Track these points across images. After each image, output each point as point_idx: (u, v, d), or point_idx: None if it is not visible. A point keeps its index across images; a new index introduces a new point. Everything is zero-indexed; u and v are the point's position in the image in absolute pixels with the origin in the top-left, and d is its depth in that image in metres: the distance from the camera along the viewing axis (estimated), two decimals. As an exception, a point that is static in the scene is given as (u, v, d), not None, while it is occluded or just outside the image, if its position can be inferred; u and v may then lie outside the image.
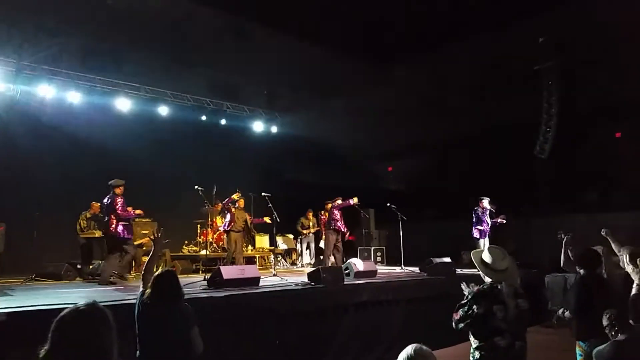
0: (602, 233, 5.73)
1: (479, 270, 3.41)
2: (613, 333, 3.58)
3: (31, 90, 10.60)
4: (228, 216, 10.19)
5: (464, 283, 3.38)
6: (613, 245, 5.40)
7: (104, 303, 4.82)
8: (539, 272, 10.22)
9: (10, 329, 4.18)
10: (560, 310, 4.48)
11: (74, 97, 11.05)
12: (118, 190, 8.30)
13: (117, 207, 8.18)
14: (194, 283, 7.29)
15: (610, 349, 3.49)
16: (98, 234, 9.82)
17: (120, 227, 8.21)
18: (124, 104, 11.73)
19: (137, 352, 3.50)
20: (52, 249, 10.01)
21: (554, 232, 8.75)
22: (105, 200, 8.40)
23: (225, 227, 10.19)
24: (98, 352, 1.83)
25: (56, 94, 10.86)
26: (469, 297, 3.22)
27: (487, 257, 3.38)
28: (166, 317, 3.46)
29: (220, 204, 11.82)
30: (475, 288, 3.27)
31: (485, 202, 10.80)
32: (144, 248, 10.51)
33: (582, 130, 12.28)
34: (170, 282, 3.62)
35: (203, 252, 11.02)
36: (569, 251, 5.72)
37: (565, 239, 6.07)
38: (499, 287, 3.22)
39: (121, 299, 5.33)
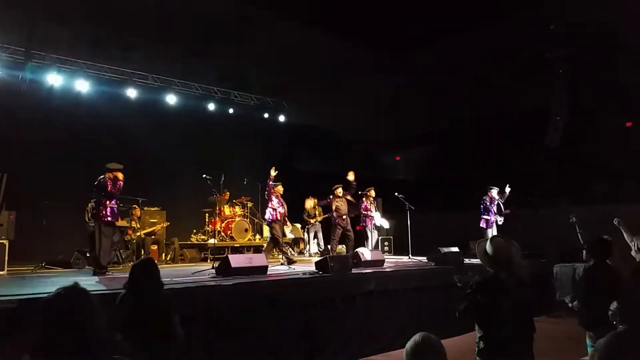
0: (615, 222, 5.71)
1: (481, 261, 3.39)
2: (615, 323, 3.55)
3: (40, 79, 10.65)
4: (274, 203, 9.68)
5: (456, 276, 3.37)
6: (625, 235, 5.39)
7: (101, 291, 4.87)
8: (548, 262, 10.19)
9: (21, 316, 4.23)
10: (569, 300, 4.46)
11: (83, 86, 11.07)
12: (109, 175, 7.93)
13: (109, 187, 7.85)
14: (202, 271, 7.34)
15: (609, 339, 3.45)
16: (107, 222, 9.87)
17: (108, 210, 7.86)
18: (132, 93, 11.75)
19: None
20: (61, 237, 10.11)
21: (563, 223, 8.74)
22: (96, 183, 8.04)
23: (272, 217, 9.63)
24: (83, 332, 1.85)
25: (65, 82, 10.90)
26: (473, 287, 3.21)
27: (489, 247, 3.36)
28: (144, 306, 3.42)
29: (227, 192, 11.87)
30: (479, 278, 3.26)
31: (494, 192, 10.74)
32: (153, 237, 10.59)
33: (592, 119, 12.14)
34: (146, 271, 3.57)
35: (211, 241, 11.08)
36: (579, 234, 5.70)
37: (574, 221, 6.05)
38: (502, 277, 3.21)
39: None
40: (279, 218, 9.63)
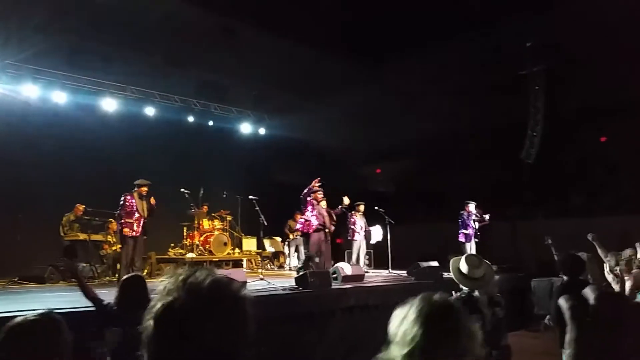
0: (589, 238, 5.74)
1: (455, 279, 3.40)
2: None
3: (15, 90, 10.44)
4: (311, 212, 9.14)
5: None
6: (599, 251, 5.39)
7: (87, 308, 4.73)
8: (525, 276, 10.27)
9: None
10: (547, 318, 4.47)
11: (59, 97, 10.89)
12: (136, 192, 8.60)
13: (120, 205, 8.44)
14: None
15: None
16: (82, 236, 9.73)
17: (119, 227, 8.51)
18: (109, 105, 11.59)
19: (108, 358, 3.45)
20: (35, 252, 9.87)
21: (540, 236, 8.84)
22: None
23: (313, 227, 9.06)
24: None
25: (41, 93, 10.69)
26: None
27: (463, 265, 3.38)
28: (133, 323, 3.35)
29: (206, 206, 11.75)
30: (454, 296, 3.26)
31: (472, 207, 10.88)
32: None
33: (567, 134, 12.37)
34: (137, 289, 3.54)
35: (189, 255, 10.93)
36: (555, 256, 5.73)
37: (550, 243, 6.10)
38: (475, 295, 3.22)
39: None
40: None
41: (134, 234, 8.42)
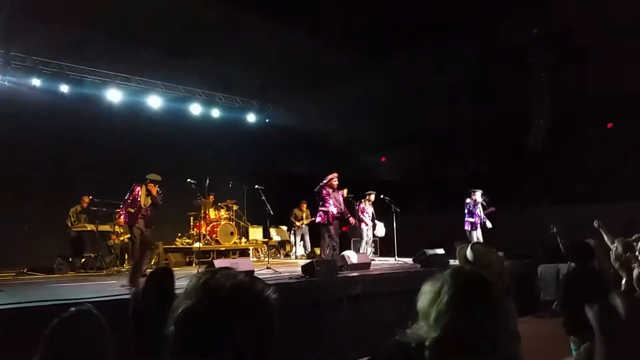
0: (595, 224, 5.72)
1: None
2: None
3: (20, 81, 10.46)
4: (328, 202, 9.06)
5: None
6: (605, 237, 5.38)
7: (102, 298, 4.80)
8: (532, 262, 10.28)
9: (1, 327, 4.12)
10: (554, 305, 4.47)
11: (64, 89, 10.92)
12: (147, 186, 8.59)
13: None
14: (187, 276, 7.25)
15: (591, 346, 3.47)
16: (89, 227, 9.79)
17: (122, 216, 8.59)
18: (114, 95, 11.61)
19: (132, 349, 3.46)
20: (43, 243, 9.96)
21: (546, 223, 8.84)
22: None
23: (334, 215, 8.99)
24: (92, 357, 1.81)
25: (46, 85, 10.72)
26: None
27: (469, 254, 3.39)
28: (160, 314, 3.40)
29: (212, 196, 11.79)
30: None
31: (478, 195, 10.84)
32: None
33: (573, 120, 12.30)
34: (164, 280, 3.56)
35: (196, 245, 11.00)
36: (560, 244, 5.73)
37: (555, 231, 6.10)
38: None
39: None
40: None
41: (137, 224, 8.42)
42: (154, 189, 8.60)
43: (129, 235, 10.30)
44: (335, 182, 9.07)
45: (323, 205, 9.05)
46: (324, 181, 9.15)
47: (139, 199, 8.47)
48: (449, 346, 1.31)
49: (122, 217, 8.51)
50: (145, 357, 3.34)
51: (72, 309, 1.91)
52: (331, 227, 9.08)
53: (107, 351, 1.87)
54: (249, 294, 1.12)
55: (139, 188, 8.56)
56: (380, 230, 11.57)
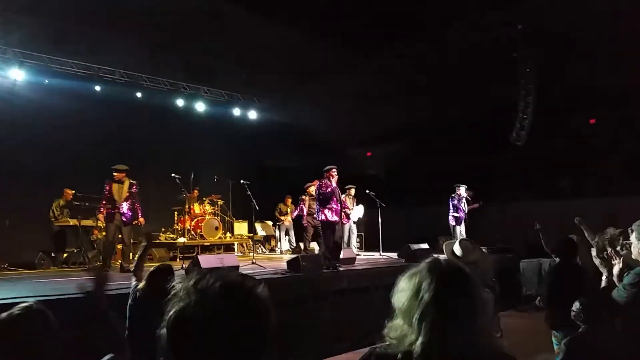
0: (575, 221, 5.81)
1: None
2: (579, 323, 3.61)
3: (1, 74, 10.27)
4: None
5: None
6: (586, 234, 5.47)
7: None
8: (514, 257, 10.41)
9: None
10: (537, 299, 4.53)
11: (47, 82, 10.74)
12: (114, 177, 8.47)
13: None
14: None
15: (572, 340, 3.53)
16: (72, 222, 9.69)
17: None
18: (98, 89, 11.45)
19: (127, 342, 3.49)
20: (25, 238, 9.82)
21: (528, 217, 8.94)
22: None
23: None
24: (35, 356, 1.79)
25: (28, 78, 10.54)
26: None
27: (457, 249, 3.44)
28: (159, 311, 3.39)
29: (196, 190, 11.72)
30: None
31: (462, 190, 10.92)
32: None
33: (556, 117, 12.44)
34: (166, 278, 3.54)
35: (181, 240, 10.93)
36: (542, 241, 5.80)
37: (539, 228, 6.18)
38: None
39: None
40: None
41: (114, 220, 8.32)
42: (125, 180, 8.50)
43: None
44: (335, 173, 8.63)
45: (329, 204, 8.28)
46: (325, 175, 8.53)
47: (112, 195, 8.35)
48: (437, 350, 1.28)
49: (101, 214, 8.39)
50: (140, 350, 3.33)
51: (18, 305, 1.89)
52: (329, 224, 8.27)
53: (54, 347, 1.85)
54: (239, 293, 1.11)
55: (109, 185, 8.43)
56: (358, 211, 11.50)
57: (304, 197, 10.58)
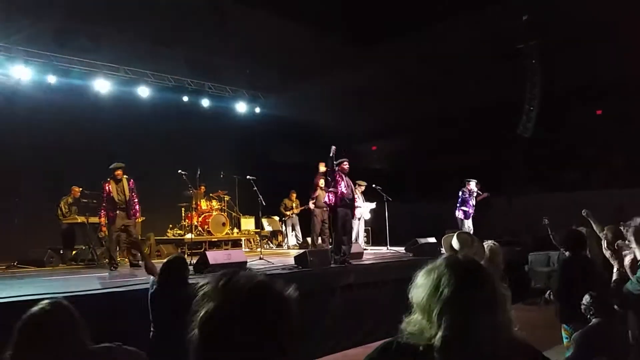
0: (583, 214, 5.77)
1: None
2: (589, 316, 3.59)
3: (6, 72, 10.30)
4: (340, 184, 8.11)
5: None
6: (594, 226, 5.42)
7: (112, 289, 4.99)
8: (522, 250, 10.37)
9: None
10: (547, 293, 4.51)
11: (52, 79, 10.77)
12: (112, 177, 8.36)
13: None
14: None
15: (583, 333, 3.51)
16: (80, 219, 9.71)
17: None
18: (103, 86, 11.47)
19: (151, 333, 3.82)
20: (33, 235, 9.87)
21: (536, 210, 8.91)
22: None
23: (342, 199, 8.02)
24: (65, 350, 1.84)
25: (33, 75, 10.56)
26: None
27: (455, 243, 3.42)
28: (176, 299, 3.62)
29: (203, 187, 11.74)
30: None
31: (472, 185, 10.81)
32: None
33: (563, 107, 12.36)
34: (179, 268, 3.92)
35: (188, 236, 10.96)
36: (551, 236, 5.77)
37: (547, 223, 6.16)
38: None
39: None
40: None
41: (115, 222, 8.20)
42: (124, 178, 8.37)
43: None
44: (346, 165, 8.49)
45: (335, 187, 8.18)
46: (335, 164, 8.46)
47: (112, 195, 8.24)
48: (457, 344, 1.28)
49: (102, 217, 8.36)
50: (163, 340, 3.59)
51: (44, 301, 1.94)
52: (338, 214, 8.00)
53: (80, 340, 1.91)
54: (269, 294, 1.12)
55: (108, 185, 8.29)
56: (369, 208, 11.49)
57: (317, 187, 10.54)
